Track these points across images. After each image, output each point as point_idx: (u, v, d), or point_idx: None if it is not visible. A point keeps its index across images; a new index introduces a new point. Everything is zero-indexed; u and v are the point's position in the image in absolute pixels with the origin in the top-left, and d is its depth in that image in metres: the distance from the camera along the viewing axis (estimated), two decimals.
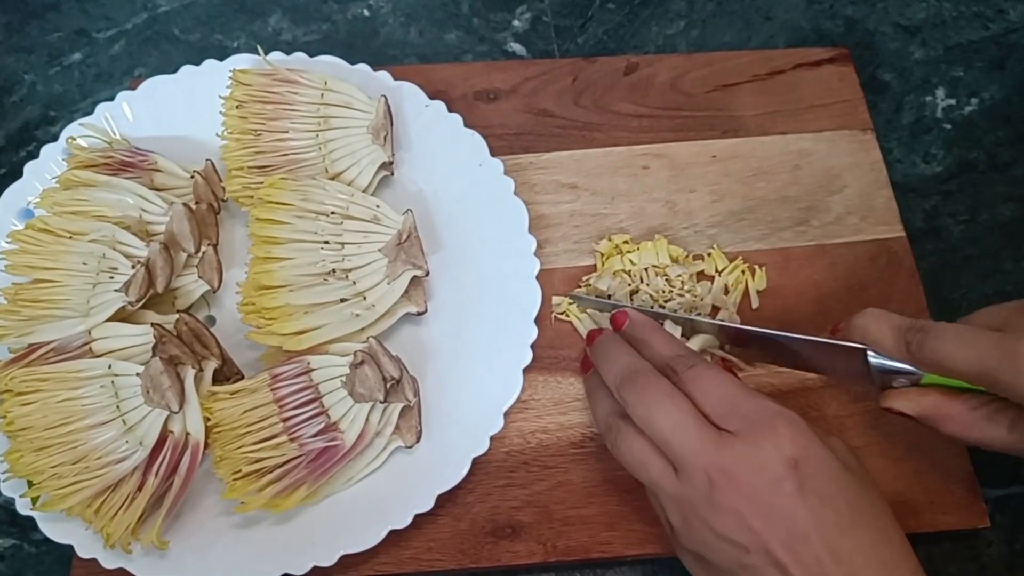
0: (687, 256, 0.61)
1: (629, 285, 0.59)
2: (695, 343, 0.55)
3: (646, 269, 0.60)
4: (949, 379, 0.46)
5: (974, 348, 0.43)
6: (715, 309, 0.59)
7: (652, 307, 0.58)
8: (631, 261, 0.60)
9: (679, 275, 0.59)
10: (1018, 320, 0.45)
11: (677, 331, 0.55)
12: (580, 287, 0.60)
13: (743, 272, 0.61)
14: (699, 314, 0.58)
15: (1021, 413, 0.45)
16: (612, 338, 0.52)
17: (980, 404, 0.46)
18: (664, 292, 0.59)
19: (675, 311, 0.57)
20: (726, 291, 0.60)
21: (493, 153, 0.61)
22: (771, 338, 0.52)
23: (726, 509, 0.42)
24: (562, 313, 0.60)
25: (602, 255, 0.61)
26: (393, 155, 0.60)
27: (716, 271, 0.61)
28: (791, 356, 0.53)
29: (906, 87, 0.71)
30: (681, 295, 0.59)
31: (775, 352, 0.54)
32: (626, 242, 0.61)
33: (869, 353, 0.48)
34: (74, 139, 0.59)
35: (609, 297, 0.59)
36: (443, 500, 0.52)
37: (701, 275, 0.61)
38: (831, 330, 0.52)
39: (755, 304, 0.60)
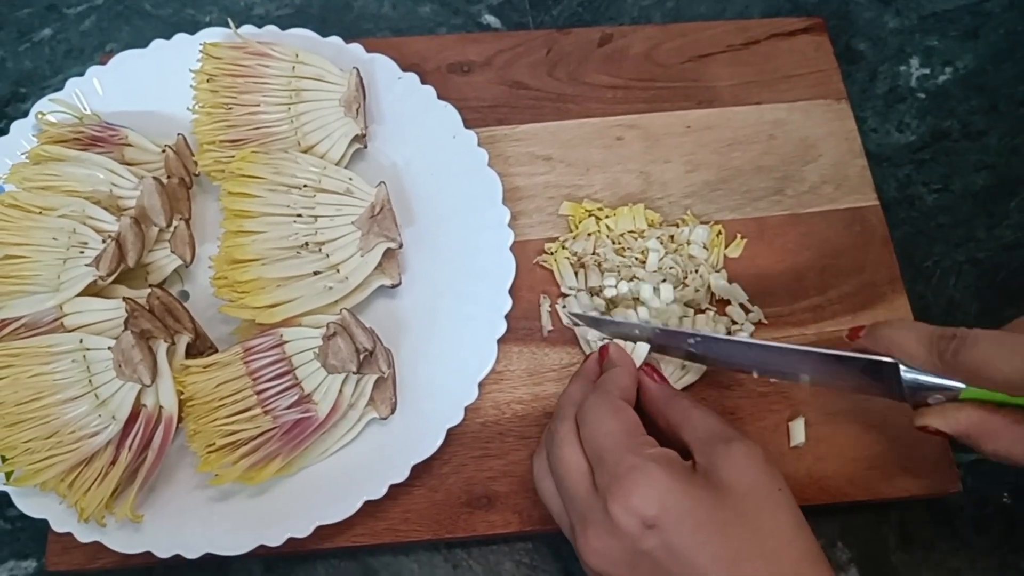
0: (662, 222, 0.61)
1: (608, 244, 0.59)
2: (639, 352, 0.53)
3: (622, 235, 0.60)
4: (989, 393, 0.43)
5: (1017, 353, 0.40)
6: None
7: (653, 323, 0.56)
8: (608, 227, 0.60)
9: (659, 237, 0.60)
10: None
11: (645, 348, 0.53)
12: (551, 247, 0.60)
13: (719, 234, 0.61)
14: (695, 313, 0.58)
15: None
16: (585, 370, 0.52)
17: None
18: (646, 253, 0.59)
19: (669, 271, 0.58)
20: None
21: (467, 125, 0.61)
22: (786, 352, 0.48)
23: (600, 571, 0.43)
24: (545, 263, 0.60)
25: (573, 218, 0.61)
26: (366, 128, 0.59)
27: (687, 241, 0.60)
28: (795, 370, 0.49)
29: (880, 56, 0.70)
30: (668, 254, 0.59)
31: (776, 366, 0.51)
32: (600, 208, 0.61)
33: (902, 368, 0.44)
34: (44, 114, 0.59)
35: (598, 304, 0.58)
36: (418, 471, 0.52)
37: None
38: (848, 335, 0.48)
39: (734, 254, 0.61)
